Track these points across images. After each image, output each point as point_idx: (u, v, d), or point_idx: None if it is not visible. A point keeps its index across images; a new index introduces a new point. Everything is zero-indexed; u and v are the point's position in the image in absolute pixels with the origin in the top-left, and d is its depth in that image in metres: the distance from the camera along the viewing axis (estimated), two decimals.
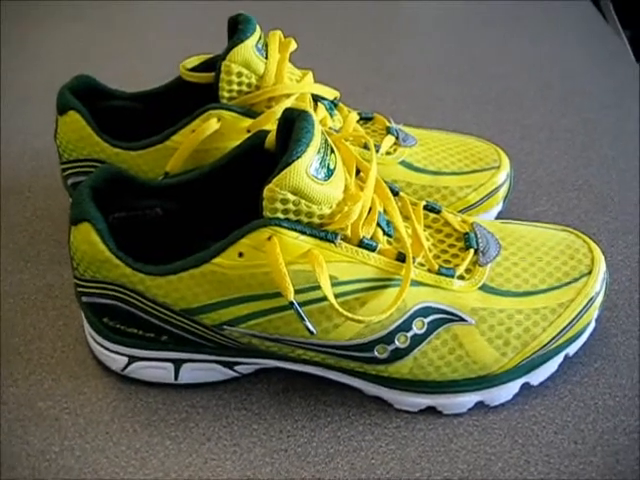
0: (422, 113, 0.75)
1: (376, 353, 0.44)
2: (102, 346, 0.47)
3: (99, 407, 0.47)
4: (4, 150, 0.70)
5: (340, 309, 0.41)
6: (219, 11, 0.81)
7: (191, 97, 0.56)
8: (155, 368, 0.47)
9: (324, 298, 0.41)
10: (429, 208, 0.48)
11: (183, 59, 0.57)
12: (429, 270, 0.45)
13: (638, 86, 0.80)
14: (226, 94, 0.51)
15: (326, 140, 0.43)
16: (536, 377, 0.46)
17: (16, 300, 0.54)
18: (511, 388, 0.46)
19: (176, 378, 0.47)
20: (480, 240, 0.47)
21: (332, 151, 0.43)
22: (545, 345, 0.45)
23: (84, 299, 0.46)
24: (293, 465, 0.44)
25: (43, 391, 0.48)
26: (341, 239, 0.42)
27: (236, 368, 0.47)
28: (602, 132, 0.72)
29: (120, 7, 0.99)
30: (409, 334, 0.44)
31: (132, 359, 0.47)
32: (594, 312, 0.47)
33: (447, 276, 0.45)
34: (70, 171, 0.56)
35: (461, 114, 0.75)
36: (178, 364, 0.47)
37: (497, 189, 0.56)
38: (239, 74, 0.51)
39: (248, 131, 0.51)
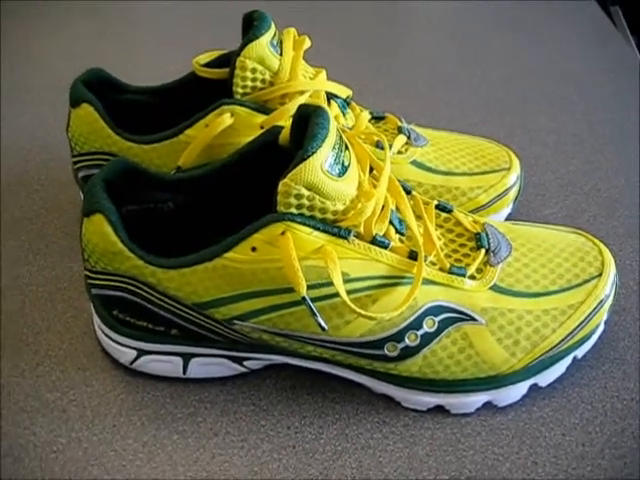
0: (429, 116, 0.75)
1: (386, 351, 0.44)
2: (111, 339, 0.47)
3: (107, 400, 0.47)
4: (13, 143, 0.70)
5: (352, 305, 0.41)
6: (231, 9, 0.81)
7: (204, 93, 0.56)
8: (163, 362, 0.47)
9: (336, 294, 0.41)
10: (441, 207, 0.48)
11: (196, 55, 0.57)
12: (441, 269, 0.45)
13: None
14: (240, 90, 0.51)
15: (341, 137, 0.43)
16: (544, 378, 0.46)
17: (25, 292, 0.54)
18: (520, 389, 0.46)
19: (184, 372, 0.47)
20: (491, 240, 0.47)
21: (346, 148, 0.43)
22: (554, 346, 0.45)
23: (94, 291, 0.46)
24: (300, 462, 0.44)
25: (51, 383, 0.48)
26: (354, 236, 0.42)
27: (245, 363, 0.47)
28: (609, 137, 0.72)
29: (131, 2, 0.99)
30: (419, 332, 0.44)
31: (141, 352, 0.47)
32: (603, 314, 0.47)
33: (458, 275, 0.45)
34: (81, 164, 0.56)
35: (469, 118, 0.75)
36: (187, 358, 0.47)
37: (507, 191, 0.56)
38: (253, 70, 0.51)
39: (261, 127, 0.51)
